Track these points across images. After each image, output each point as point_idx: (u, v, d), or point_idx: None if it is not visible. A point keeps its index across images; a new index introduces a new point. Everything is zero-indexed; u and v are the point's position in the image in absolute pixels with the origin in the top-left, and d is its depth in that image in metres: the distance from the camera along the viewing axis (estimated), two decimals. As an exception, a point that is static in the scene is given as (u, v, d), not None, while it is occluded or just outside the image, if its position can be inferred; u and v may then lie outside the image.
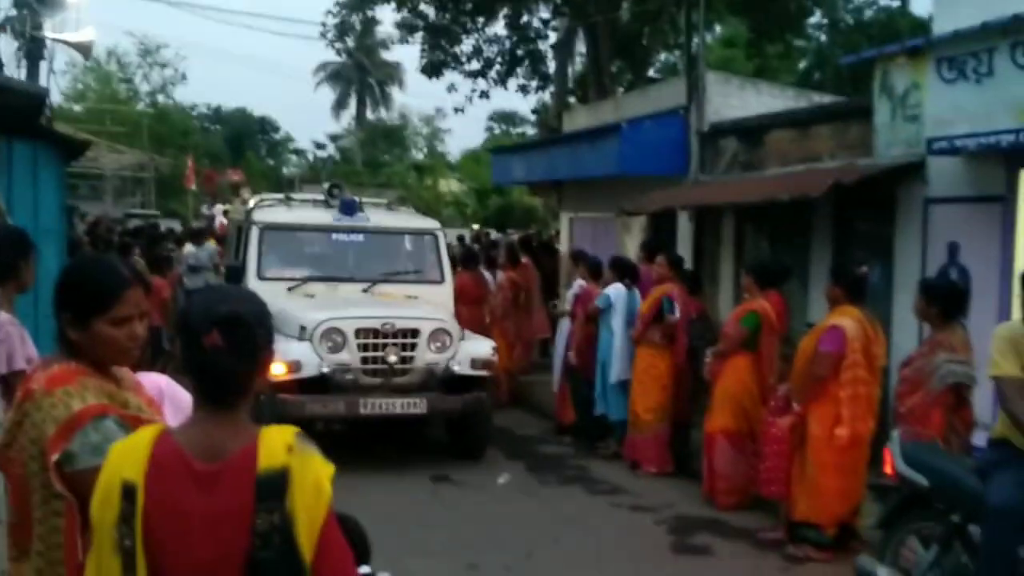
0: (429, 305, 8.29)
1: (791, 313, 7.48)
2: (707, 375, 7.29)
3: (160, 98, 42.96)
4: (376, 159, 46.59)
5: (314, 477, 1.81)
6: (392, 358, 7.52)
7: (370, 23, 23.65)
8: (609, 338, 8.35)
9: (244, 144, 51.29)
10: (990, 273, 6.67)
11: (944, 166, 7.11)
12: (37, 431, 2.10)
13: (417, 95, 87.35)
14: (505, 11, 18.64)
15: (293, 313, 7.65)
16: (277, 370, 6.94)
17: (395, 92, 52.64)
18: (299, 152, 57.09)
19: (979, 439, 5.47)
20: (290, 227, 8.88)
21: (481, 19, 18.71)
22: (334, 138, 53.83)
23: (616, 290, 8.38)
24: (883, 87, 7.73)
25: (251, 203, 9.56)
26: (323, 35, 24.65)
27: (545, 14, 19.32)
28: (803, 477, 5.97)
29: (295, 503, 1.77)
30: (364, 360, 7.50)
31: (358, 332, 7.46)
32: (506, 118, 49.39)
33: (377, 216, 9.18)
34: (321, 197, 9.43)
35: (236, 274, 8.41)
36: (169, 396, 2.63)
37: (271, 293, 6.79)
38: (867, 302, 6.13)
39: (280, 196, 9.81)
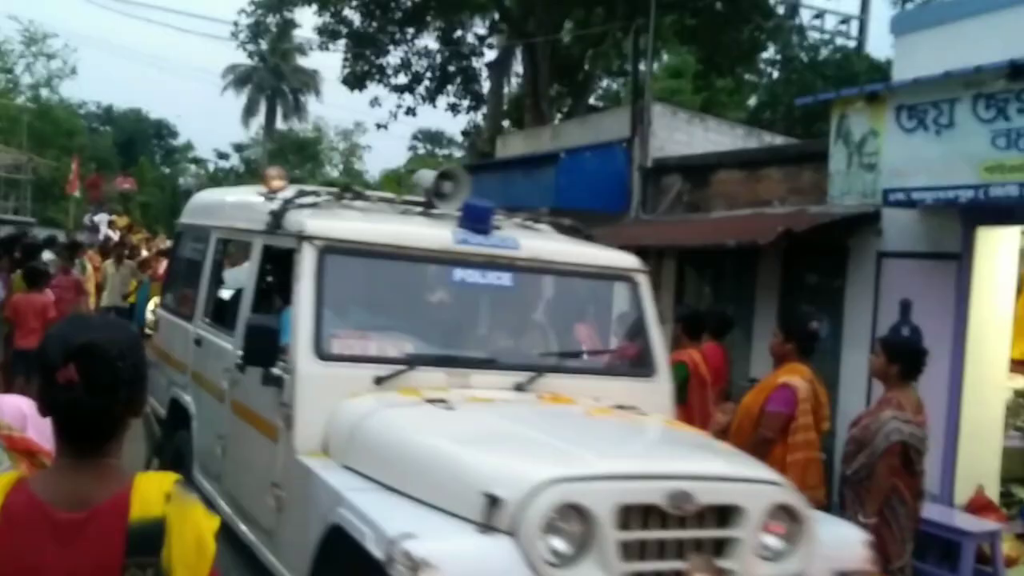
0: (701, 437, 4.79)
1: (732, 366, 7.60)
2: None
3: (44, 92, 41.97)
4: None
5: (195, 530, 1.77)
6: None
7: (288, 26, 23.51)
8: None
9: (137, 149, 50.31)
10: (943, 334, 6.89)
11: (900, 219, 7.35)
12: None
13: (335, 108, 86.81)
14: (438, 23, 18.78)
15: (451, 458, 3.71)
16: None
17: (311, 103, 52.37)
18: (198, 161, 56.21)
19: (929, 511, 5.61)
20: (377, 251, 4.77)
21: (411, 30, 18.84)
22: (239, 148, 53.19)
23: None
24: (839, 132, 7.96)
25: (284, 193, 5.34)
26: (235, 35, 24.46)
27: (481, 30, 19.56)
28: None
29: (172, 558, 1.72)
30: None
31: (622, 513, 3.38)
32: (432, 138, 49.53)
33: (530, 241, 5.17)
34: (407, 198, 5.75)
35: (265, 344, 4.45)
36: (32, 421, 2.58)
37: (344, 388, 4.31)
38: (813, 358, 6.26)
39: (334, 189, 5.68)
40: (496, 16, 18.88)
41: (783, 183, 8.93)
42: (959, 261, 6.95)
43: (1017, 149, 6.37)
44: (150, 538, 1.72)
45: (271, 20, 22.69)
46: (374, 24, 18.41)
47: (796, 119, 15.91)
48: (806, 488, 5.83)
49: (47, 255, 13.88)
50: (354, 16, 18.45)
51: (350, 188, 5.61)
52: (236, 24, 22.92)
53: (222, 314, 5.92)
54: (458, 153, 37.11)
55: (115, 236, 21.50)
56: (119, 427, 1.81)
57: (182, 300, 6.86)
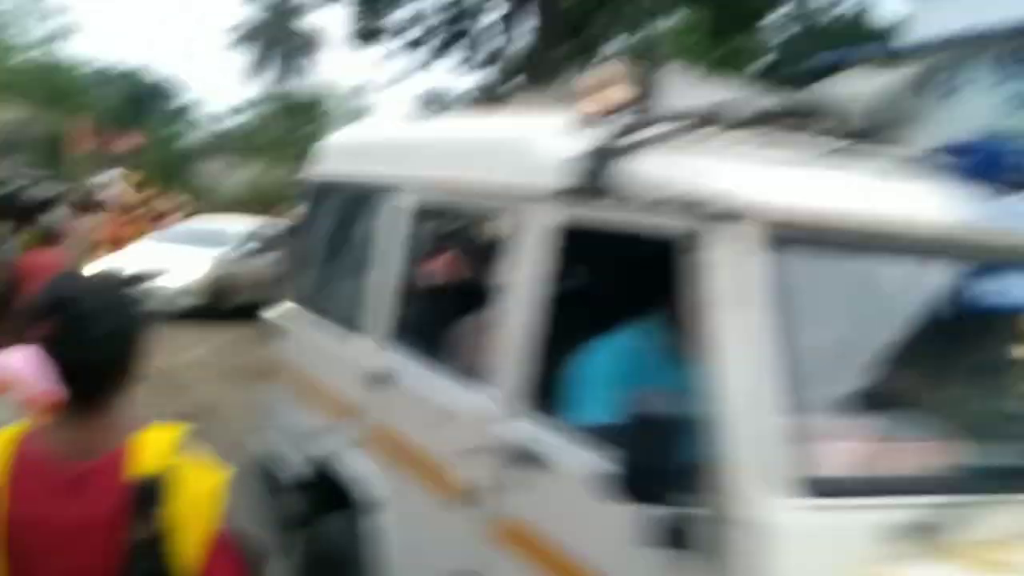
0: None
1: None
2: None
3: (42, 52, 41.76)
4: (291, 135, 45.96)
5: (203, 484, 1.75)
6: None
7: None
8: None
9: (144, 107, 50.05)
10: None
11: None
12: None
13: (336, 66, 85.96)
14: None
15: None
16: None
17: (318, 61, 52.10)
18: (197, 123, 55.89)
19: None
20: (873, 242, 2.37)
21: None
22: (238, 110, 52.87)
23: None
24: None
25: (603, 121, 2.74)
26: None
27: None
28: None
29: (177, 512, 1.71)
30: None
31: None
32: (437, 99, 49.23)
33: None
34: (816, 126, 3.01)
35: (662, 459, 2.04)
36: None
37: (846, 554, 2.02)
38: None
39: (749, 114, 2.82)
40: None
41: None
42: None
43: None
44: (155, 492, 1.70)
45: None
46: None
47: (807, 80, 15.81)
48: None
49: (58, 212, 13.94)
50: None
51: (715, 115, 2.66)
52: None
53: (441, 339, 3.53)
54: (466, 112, 36.91)
55: (127, 192, 21.50)
56: (110, 384, 1.80)
57: (328, 297, 4.50)
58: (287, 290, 5.02)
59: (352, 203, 4.40)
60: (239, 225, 17.43)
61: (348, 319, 4.03)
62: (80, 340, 1.74)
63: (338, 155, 4.77)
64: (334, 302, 4.37)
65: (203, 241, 15.69)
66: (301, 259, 5.00)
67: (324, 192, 4.79)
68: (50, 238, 10.75)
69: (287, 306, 4.89)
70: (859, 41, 11.42)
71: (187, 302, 14.57)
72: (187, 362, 12.02)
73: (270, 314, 5.06)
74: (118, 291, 1.86)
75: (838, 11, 17.82)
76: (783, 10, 18.96)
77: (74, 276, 1.90)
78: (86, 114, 31.73)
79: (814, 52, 11.14)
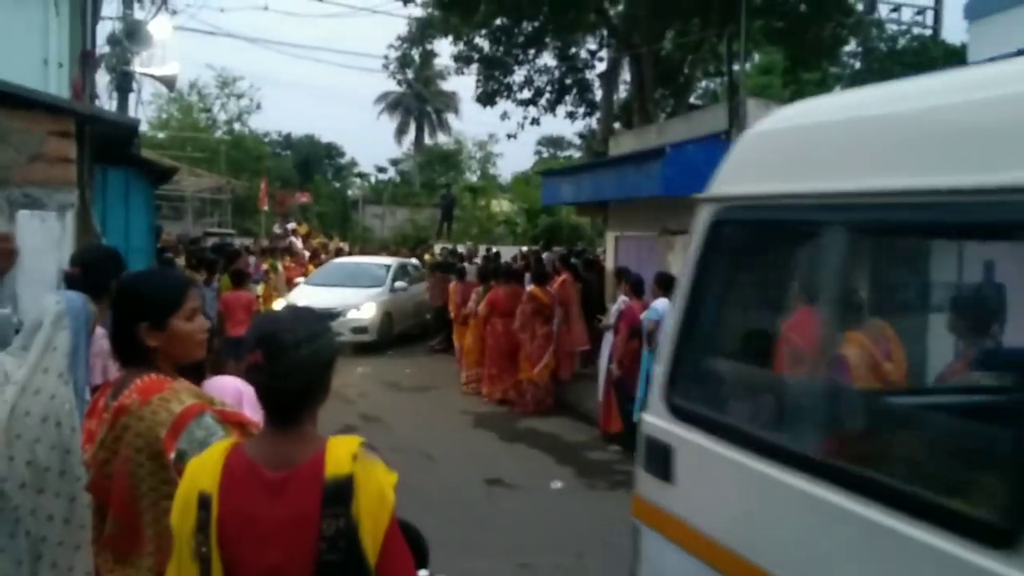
0: None
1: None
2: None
3: (236, 126, 43.85)
4: (433, 181, 46.92)
5: (378, 485, 1.81)
6: None
7: (429, 55, 23.79)
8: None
9: (312, 168, 52.00)
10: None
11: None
12: (142, 440, 2.14)
13: (471, 122, 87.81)
14: (555, 43, 18.70)
15: None
16: None
17: (451, 119, 53.13)
18: (363, 175, 57.69)
19: None
20: None
21: (532, 51, 18.80)
22: (395, 162, 54.35)
23: (663, 304, 8.28)
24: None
25: None
26: (385, 67, 25.00)
27: (592, 45, 19.39)
28: None
29: (360, 509, 1.77)
30: None
31: None
32: (554, 143, 49.49)
33: None
34: None
35: None
36: (247, 397, 2.69)
37: None
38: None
39: None
40: (605, 32, 18.68)
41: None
42: None
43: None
44: (342, 492, 1.77)
45: (415, 51, 22.99)
46: (500, 48, 18.46)
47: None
48: None
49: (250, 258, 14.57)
50: (484, 43, 18.53)
51: None
52: (386, 57, 23.23)
53: None
54: (577, 154, 36.94)
55: (298, 241, 22.32)
56: (305, 404, 1.86)
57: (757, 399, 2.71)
58: (658, 387, 2.88)
59: (803, 233, 2.48)
60: (375, 261, 17.81)
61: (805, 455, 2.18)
62: (282, 369, 1.81)
63: (774, 162, 2.59)
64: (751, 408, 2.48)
65: (352, 280, 16.01)
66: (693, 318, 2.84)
67: (735, 222, 2.83)
68: (241, 280, 11.27)
69: (661, 412, 2.85)
70: (928, 67, 10.89)
71: (364, 337, 14.91)
72: (353, 380, 12.32)
73: (648, 426, 3.00)
74: (312, 327, 1.91)
75: (907, 38, 17.06)
76: (852, 43, 18.28)
77: (276, 314, 1.97)
78: (267, 177, 33.17)
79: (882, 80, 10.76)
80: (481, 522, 6.59)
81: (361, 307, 15.05)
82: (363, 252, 18.16)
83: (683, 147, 10.92)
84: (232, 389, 2.77)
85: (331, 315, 13.41)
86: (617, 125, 19.33)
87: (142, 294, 2.29)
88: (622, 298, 9.29)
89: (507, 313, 11.26)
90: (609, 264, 14.48)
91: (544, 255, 19.29)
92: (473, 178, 50.06)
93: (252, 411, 2.46)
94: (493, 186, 43.10)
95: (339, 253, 19.81)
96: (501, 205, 37.12)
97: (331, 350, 1.91)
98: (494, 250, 21.48)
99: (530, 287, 11.39)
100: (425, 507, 5.41)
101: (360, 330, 14.86)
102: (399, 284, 16.37)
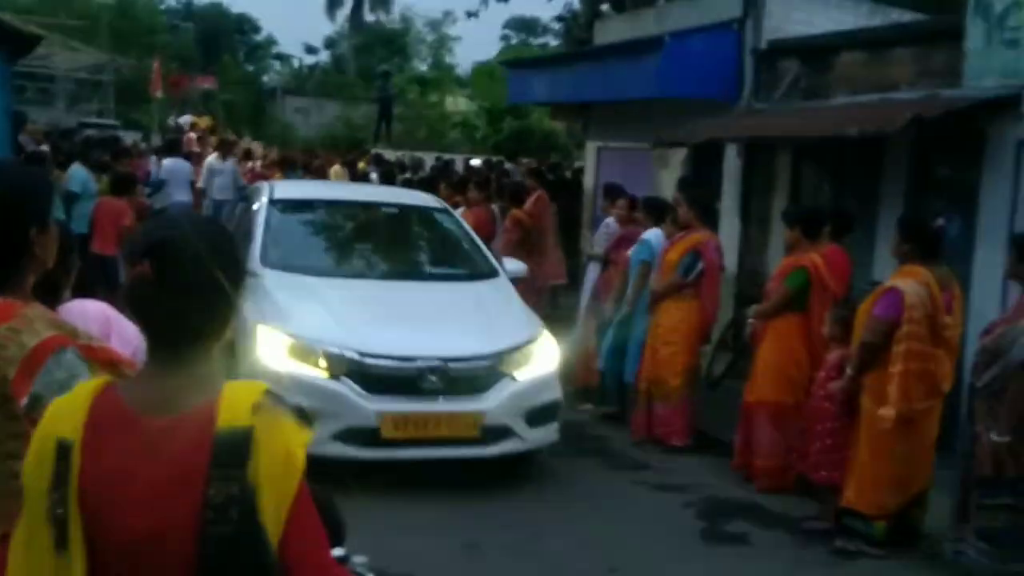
0: None
1: (855, 270, 7.41)
2: (747, 338, 7.26)
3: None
4: (373, 69, 46.20)
5: (284, 443, 1.75)
6: None
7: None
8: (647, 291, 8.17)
9: (219, 46, 50.91)
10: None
11: (1046, 102, 6.92)
12: None
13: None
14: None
15: None
16: None
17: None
18: (283, 58, 56.69)
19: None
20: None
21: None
22: (328, 44, 53.41)
23: (656, 236, 8.29)
24: (977, 4, 7.54)
25: None
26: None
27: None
28: (855, 458, 5.95)
29: (259, 472, 1.72)
30: None
31: None
32: (526, 26, 48.82)
33: None
34: None
35: None
36: (116, 327, 2.66)
37: None
38: (943, 260, 6.03)
39: None
40: None
41: (913, 65, 8.53)
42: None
43: None
44: (236, 449, 1.71)
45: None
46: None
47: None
48: (909, 401, 5.70)
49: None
50: None
51: None
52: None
53: None
54: (554, 42, 36.52)
55: (194, 138, 21.91)
56: (201, 334, 1.82)
57: None
58: None
59: None
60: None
61: None
62: (177, 284, 1.76)
63: None
64: None
65: None
66: None
67: None
68: (125, 186, 11.06)
69: None
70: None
71: None
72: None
73: None
74: (217, 236, 1.87)
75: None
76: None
77: (171, 217, 1.93)
78: (162, 55, 32.36)
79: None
80: (415, 494, 6.62)
81: None
82: (281, 158, 17.74)
83: (686, 38, 10.84)
84: (98, 315, 2.73)
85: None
86: (605, 6, 19.08)
87: (28, 190, 2.25)
88: (609, 220, 9.35)
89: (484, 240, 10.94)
90: (588, 181, 14.46)
91: (508, 167, 19.15)
92: (423, 67, 49.39)
93: (123, 345, 2.41)
94: (448, 78, 42.61)
95: (248, 156, 19.30)
96: (457, 103, 36.74)
97: (239, 268, 1.87)
98: (447, 159, 21.30)
99: (512, 212, 11.17)
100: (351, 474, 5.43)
101: None
102: None
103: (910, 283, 5.68)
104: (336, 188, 12.80)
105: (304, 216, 8.58)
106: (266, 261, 7.33)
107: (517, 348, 6.82)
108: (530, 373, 6.80)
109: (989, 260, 7.30)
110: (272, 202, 8.15)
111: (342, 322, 6.72)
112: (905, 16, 11.22)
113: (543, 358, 6.94)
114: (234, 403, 1.76)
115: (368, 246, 8.66)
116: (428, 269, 8.46)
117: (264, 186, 9.33)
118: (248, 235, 7.67)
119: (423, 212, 8.99)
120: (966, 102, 7.47)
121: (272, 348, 6.43)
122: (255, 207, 8.24)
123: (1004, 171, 7.40)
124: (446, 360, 6.49)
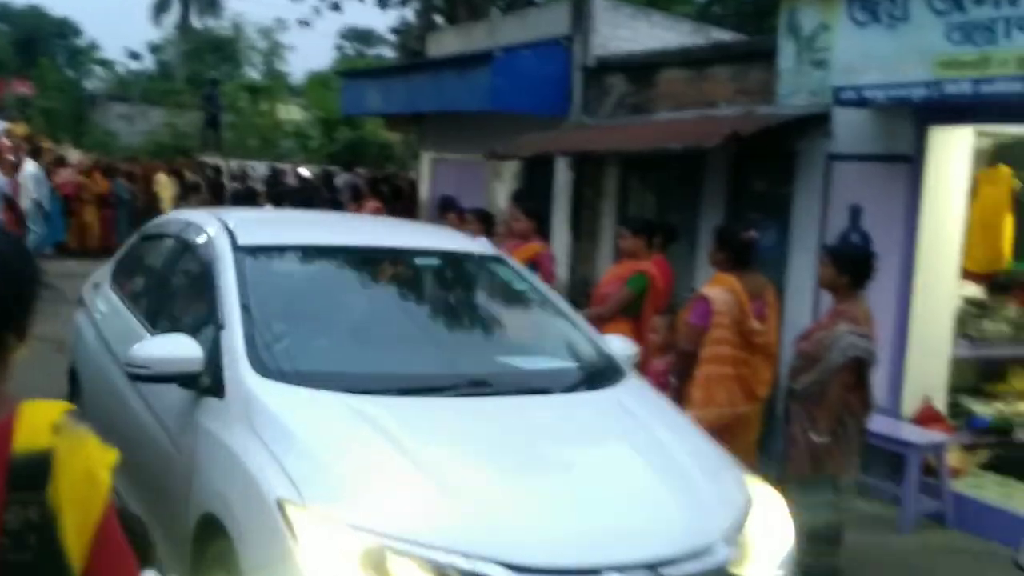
0: None
1: (678, 279, 7.65)
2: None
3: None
4: (201, 76, 44.97)
5: (86, 464, 1.68)
6: None
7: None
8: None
9: (37, 49, 48.59)
10: (893, 240, 6.98)
11: (851, 119, 7.37)
12: None
13: (254, 2, 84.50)
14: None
15: None
16: None
17: (227, -2, 51.01)
18: (106, 63, 54.54)
19: (876, 423, 5.76)
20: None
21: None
22: (153, 49, 51.70)
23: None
24: (789, 27, 7.93)
25: None
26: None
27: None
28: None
29: (60, 495, 1.64)
30: None
31: None
32: (361, 36, 48.57)
33: None
34: None
35: None
36: None
37: None
38: (759, 268, 6.30)
39: None
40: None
41: (731, 83, 8.89)
42: (911, 164, 7.01)
43: (972, 43, 6.40)
44: (35, 472, 1.64)
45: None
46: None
47: (747, 14, 15.84)
48: (714, 404, 5.92)
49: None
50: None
51: None
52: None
53: None
54: (389, 53, 36.42)
55: (9, 145, 20.78)
56: None
57: None
58: None
59: None
60: None
61: None
62: None
63: None
64: None
65: None
66: None
67: None
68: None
69: None
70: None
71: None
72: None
73: None
74: (4, 240, 1.76)
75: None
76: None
77: None
78: (-29, 58, 30.59)
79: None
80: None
81: None
82: (106, 166, 16.97)
83: (517, 53, 10.99)
84: None
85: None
86: (439, 19, 19.18)
87: None
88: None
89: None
90: (424, 192, 14.46)
91: (341, 178, 18.95)
92: (255, 74, 48.42)
93: None
94: (280, 86, 41.86)
95: (60, 163, 18.33)
96: (290, 112, 36.16)
97: (32, 274, 1.76)
98: (278, 168, 20.90)
99: None
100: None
101: None
102: None
103: (717, 290, 5.90)
104: (326, 223, 6.73)
105: (298, 273, 5.04)
106: (264, 367, 3.92)
107: (741, 522, 3.67)
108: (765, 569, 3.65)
109: (801, 268, 7.68)
110: (239, 250, 4.59)
111: (459, 499, 3.35)
112: (725, 36, 11.71)
113: (772, 528, 3.83)
114: (32, 424, 1.68)
115: (416, 329, 4.96)
116: (523, 368, 4.72)
117: (196, 218, 5.39)
118: (199, 310, 4.60)
119: (475, 263, 5.56)
120: (779, 119, 7.82)
121: (327, 554, 3.08)
122: (203, 259, 4.77)
123: (814, 184, 7.78)
124: (654, 567, 3.28)
